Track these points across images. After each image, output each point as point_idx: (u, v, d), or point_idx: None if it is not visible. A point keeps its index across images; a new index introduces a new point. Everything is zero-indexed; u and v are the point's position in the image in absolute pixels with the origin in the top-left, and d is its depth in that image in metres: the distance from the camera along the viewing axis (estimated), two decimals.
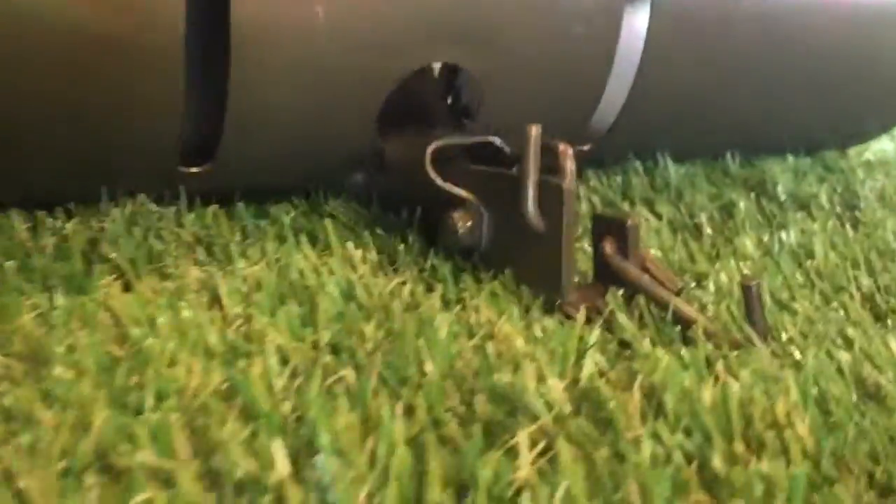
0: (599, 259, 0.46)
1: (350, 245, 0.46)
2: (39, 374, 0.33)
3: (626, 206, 0.60)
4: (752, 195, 0.64)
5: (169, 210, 0.50)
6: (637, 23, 0.57)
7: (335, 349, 0.36)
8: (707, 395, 0.33)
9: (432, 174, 0.47)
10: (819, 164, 0.74)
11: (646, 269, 0.46)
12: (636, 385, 0.33)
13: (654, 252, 0.52)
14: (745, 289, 0.42)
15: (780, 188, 0.64)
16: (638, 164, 0.66)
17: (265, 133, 0.49)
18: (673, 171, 0.66)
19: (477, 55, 0.52)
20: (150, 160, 0.48)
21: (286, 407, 0.31)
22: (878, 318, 0.46)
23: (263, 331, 0.36)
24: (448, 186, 0.48)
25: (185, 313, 0.37)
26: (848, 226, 0.59)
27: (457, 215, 0.48)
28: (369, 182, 0.56)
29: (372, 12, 0.48)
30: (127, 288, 0.40)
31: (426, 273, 0.46)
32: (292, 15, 0.46)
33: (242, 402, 0.31)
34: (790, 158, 0.74)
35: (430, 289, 0.43)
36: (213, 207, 0.50)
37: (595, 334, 0.38)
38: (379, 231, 0.51)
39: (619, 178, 0.64)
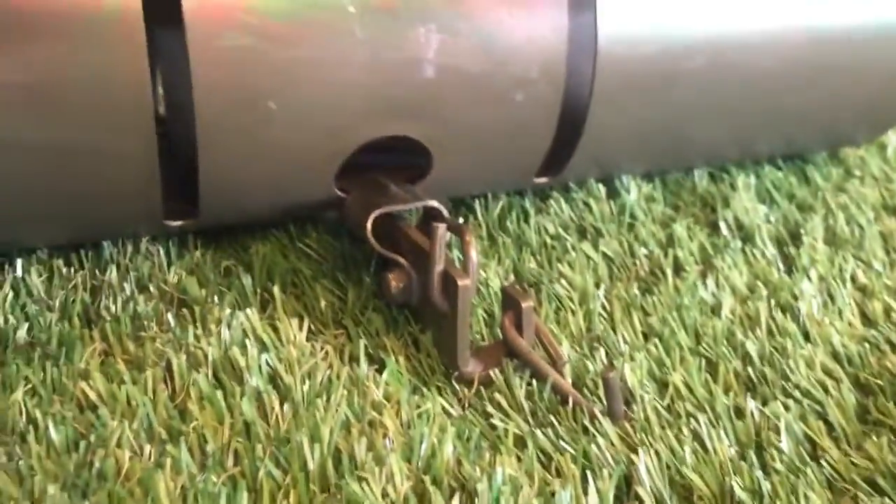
0: (501, 328, 0.52)
1: (296, 305, 0.55)
2: (22, 448, 0.43)
3: (574, 238, 0.64)
4: (701, 224, 0.67)
5: (162, 252, 0.59)
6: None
7: (248, 432, 0.45)
8: None
9: (371, 241, 0.54)
10: (796, 174, 0.76)
11: (541, 341, 0.52)
12: (457, 495, 0.41)
13: (574, 306, 0.57)
14: (604, 380, 0.48)
15: (726, 217, 0.67)
16: (601, 187, 0.70)
17: (236, 196, 0.57)
18: (634, 192, 0.70)
19: (423, 126, 0.57)
20: (143, 221, 0.57)
21: None
22: (750, 389, 0.51)
23: (195, 412, 0.45)
24: (384, 252, 0.54)
25: (138, 391, 0.46)
26: (778, 267, 0.62)
27: (391, 276, 0.54)
28: (339, 219, 0.63)
29: (320, 99, 0.53)
30: (108, 354, 0.50)
31: (360, 328, 0.54)
32: (250, 108, 0.52)
33: (151, 496, 0.40)
34: (765, 169, 0.76)
35: (352, 355, 0.51)
36: (198, 254, 0.59)
37: (452, 431, 0.45)
38: (339, 273, 0.59)
39: (580, 202, 0.69)
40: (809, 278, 0.61)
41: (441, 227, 0.50)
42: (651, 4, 0.60)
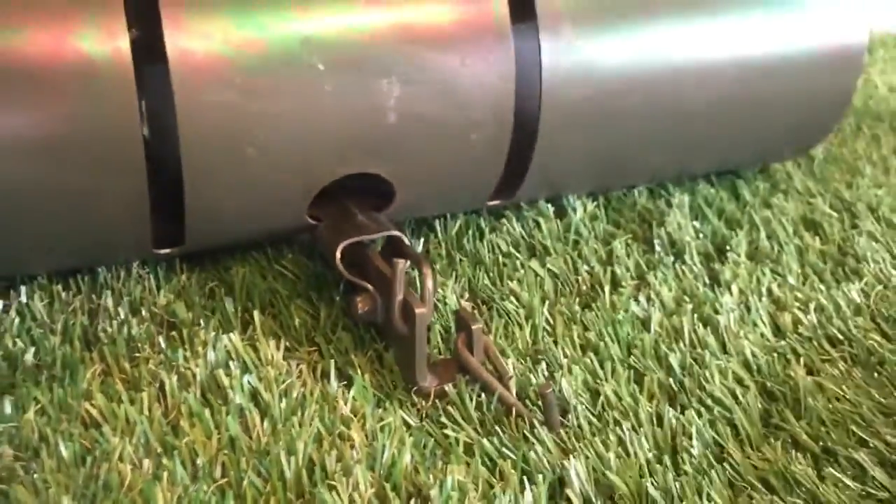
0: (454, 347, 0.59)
1: (272, 325, 0.61)
2: (36, 463, 0.49)
3: (524, 255, 0.71)
4: (639, 241, 0.74)
5: (152, 276, 0.65)
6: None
7: (233, 446, 0.51)
8: None
9: (340, 268, 0.60)
10: (727, 189, 0.82)
11: (489, 358, 0.59)
12: (413, 500, 0.48)
13: (522, 321, 0.64)
14: (541, 395, 0.54)
15: (660, 234, 0.74)
16: (549, 206, 0.76)
17: (218, 226, 0.63)
18: (580, 211, 0.76)
19: (386, 165, 0.63)
20: (134, 249, 0.63)
21: None
22: (670, 398, 0.58)
23: (186, 428, 0.51)
24: (352, 279, 0.60)
25: (135, 410, 0.52)
26: (704, 281, 0.69)
27: (359, 299, 0.61)
28: (312, 241, 0.69)
29: (293, 144, 0.59)
30: (107, 374, 0.56)
31: (331, 345, 0.60)
32: (231, 153, 0.58)
33: None
34: (699, 185, 0.82)
35: (324, 372, 0.57)
36: (184, 277, 0.65)
37: (410, 441, 0.51)
38: (312, 293, 0.65)
39: (531, 221, 0.75)
40: (731, 292, 0.68)
41: (401, 263, 0.56)
42: (589, 50, 0.66)
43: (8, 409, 0.52)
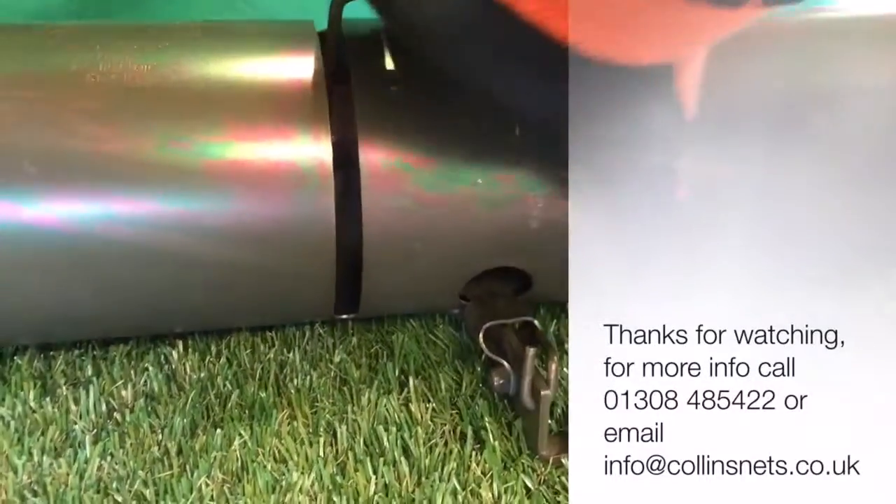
0: None
1: (424, 388, 0.71)
2: (237, 487, 0.61)
3: None
4: None
5: (328, 336, 0.77)
6: None
7: (387, 491, 0.61)
8: None
9: (483, 346, 0.70)
10: None
11: None
12: None
13: None
14: None
15: None
16: None
17: (387, 302, 0.74)
18: None
19: (527, 260, 0.72)
20: (318, 313, 0.75)
21: None
22: None
23: (351, 471, 0.62)
24: (491, 355, 0.70)
25: (313, 452, 0.64)
26: None
27: (495, 373, 0.70)
28: (460, 316, 0.79)
29: (452, 243, 0.70)
30: (293, 418, 0.68)
31: (470, 410, 0.70)
32: (402, 248, 0.69)
33: None
34: None
35: (462, 433, 0.67)
36: (355, 340, 0.76)
37: None
38: (457, 361, 0.75)
39: None
40: None
41: (531, 351, 0.65)
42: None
43: (219, 440, 0.65)
